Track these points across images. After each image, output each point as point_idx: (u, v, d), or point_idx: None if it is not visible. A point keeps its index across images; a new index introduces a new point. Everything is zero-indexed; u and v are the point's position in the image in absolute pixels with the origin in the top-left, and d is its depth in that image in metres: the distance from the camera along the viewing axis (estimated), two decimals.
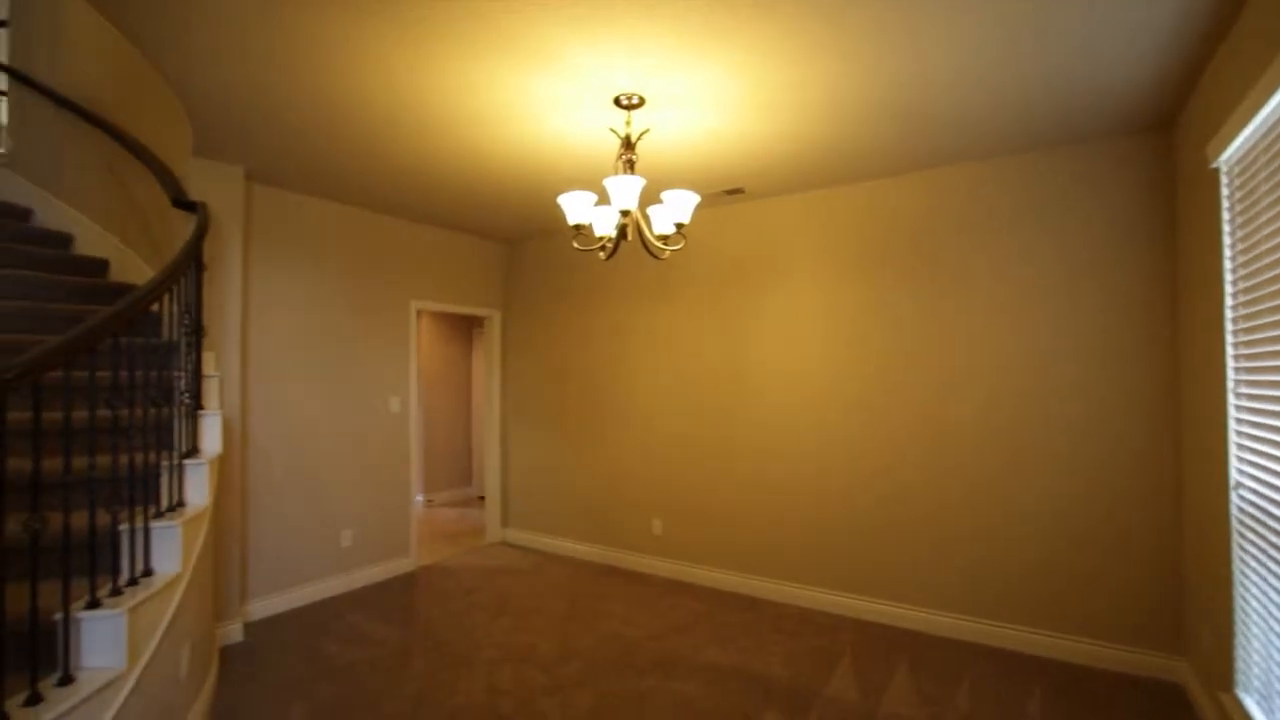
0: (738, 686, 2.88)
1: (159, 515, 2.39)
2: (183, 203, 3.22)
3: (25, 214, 4.01)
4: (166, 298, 2.59)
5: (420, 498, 6.77)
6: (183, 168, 3.35)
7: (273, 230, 3.84)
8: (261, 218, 3.78)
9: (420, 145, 3.21)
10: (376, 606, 3.87)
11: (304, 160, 3.42)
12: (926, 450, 3.50)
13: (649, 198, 3.96)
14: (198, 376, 2.91)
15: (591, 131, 2.98)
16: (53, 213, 4.05)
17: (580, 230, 2.62)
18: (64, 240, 3.92)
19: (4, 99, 4.34)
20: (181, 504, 2.58)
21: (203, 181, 3.36)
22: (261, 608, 3.68)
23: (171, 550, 2.33)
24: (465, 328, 7.43)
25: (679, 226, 2.59)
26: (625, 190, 2.37)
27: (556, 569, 4.61)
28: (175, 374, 2.78)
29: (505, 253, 5.49)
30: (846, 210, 3.80)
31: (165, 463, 2.54)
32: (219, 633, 3.28)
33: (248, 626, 3.53)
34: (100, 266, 3.78)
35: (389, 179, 3.73)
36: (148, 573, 2.25)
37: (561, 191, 3.96)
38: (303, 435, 3.94)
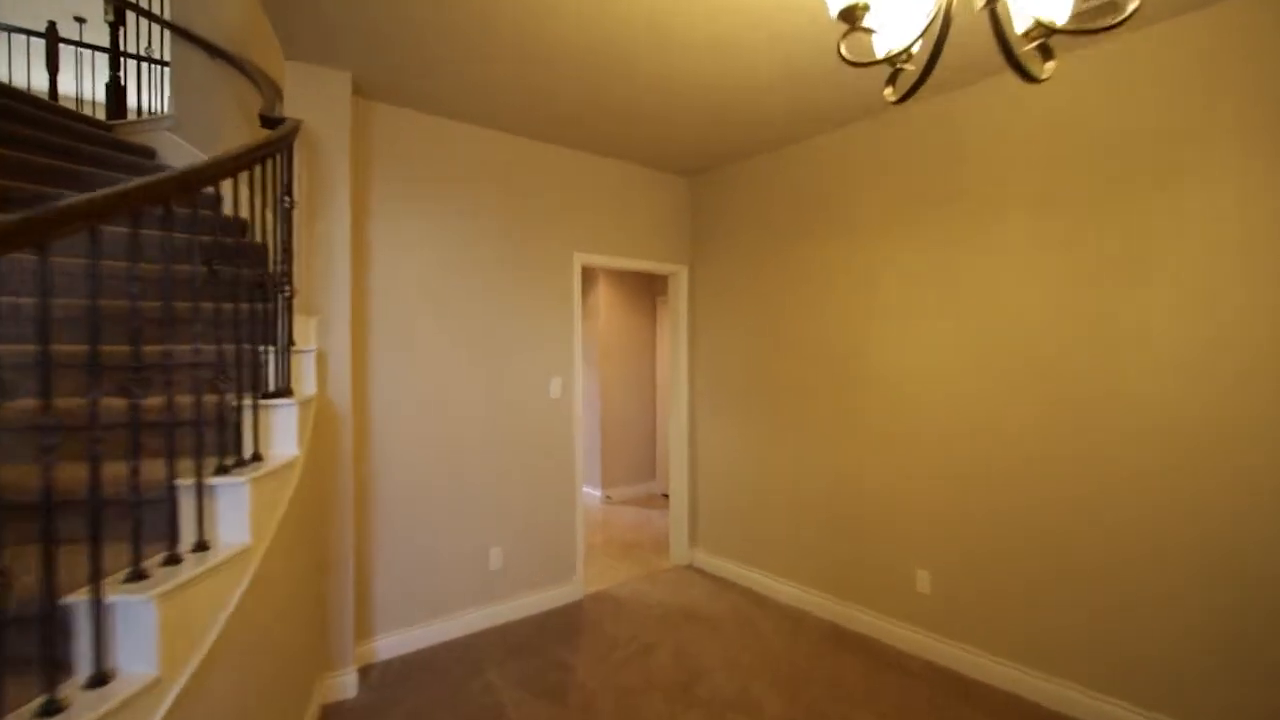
0: None
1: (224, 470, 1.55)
2: (268, 119, 2.45)
3: None
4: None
5: (598, 493, 5.89)
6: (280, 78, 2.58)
7: (396, 162, 2.98)
8: (381, 146, 2.93)
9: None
10: (527, 659, 2.89)
11: (430, 57, 2.44)
12: None
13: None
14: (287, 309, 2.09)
15: None
16: None
17: (853, 16, 1.20)
18: (214, 202, 3.52)
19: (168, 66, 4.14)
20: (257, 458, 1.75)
21: (298, 94, 2.55)
22: (387, 646, 2.90)
23: (236, 517, 1.49)
24: (648, 293, 6.35)
25: None
26: None
27: (765, 622, 3.28)
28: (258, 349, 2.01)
29: (688, 189, 4.21)
30: None
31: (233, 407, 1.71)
32: (324, 686, 2.52)
33: (365, 673, 2.75)
34: (242, 227, 3.28)
35: (542, 75, 2.62)
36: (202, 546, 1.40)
37: (777, 79, 2.53)
38: (438, 427, 3.08)
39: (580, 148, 3.58)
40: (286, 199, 2.37)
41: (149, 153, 3.83)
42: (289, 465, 2.00)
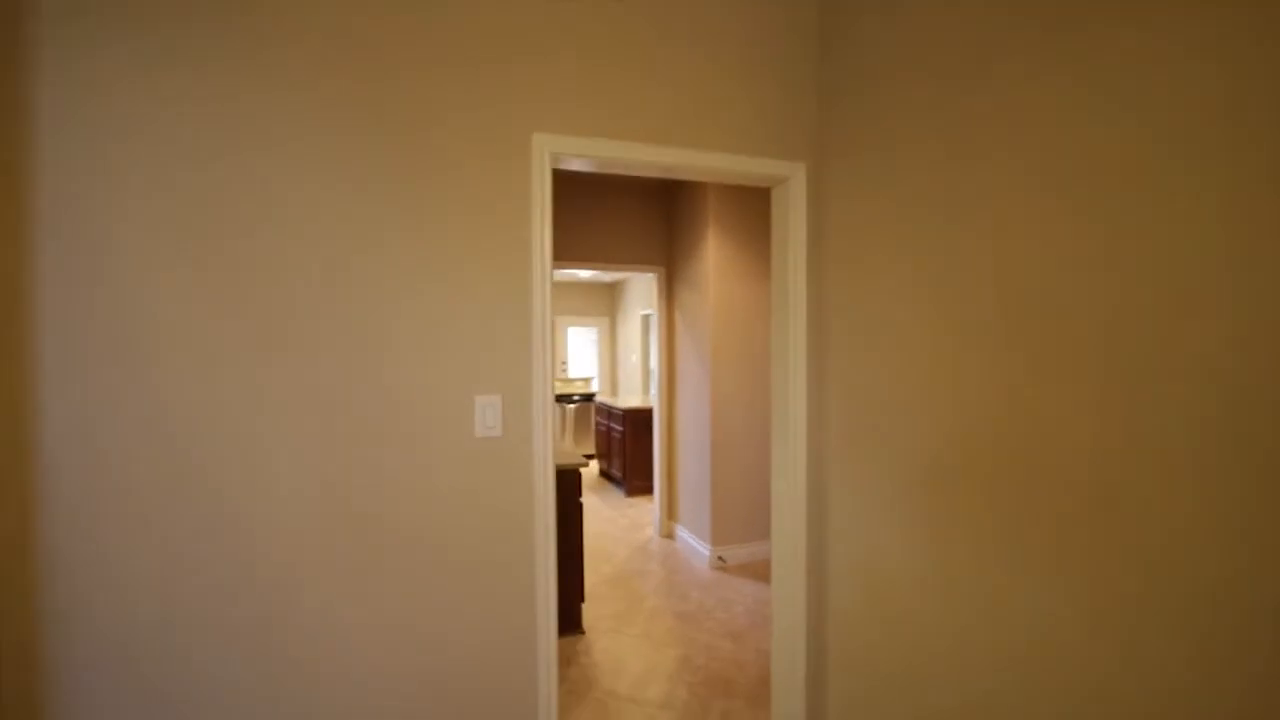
0: None
1: None
2: None
3: None
4: None
5: (706, 551, 3.92)
6: None
7: None
8: None
9: None
10: None
11: None
12: None
13: None
14: None
15: None
16: None
17: None
18: None
19: None
20: None
21: None
22: None
23: None
24: None
25: None
26: None
27: None
28: None
29: (814, 9, 2.01)
30: None
31: None
32: None
33: None
34: None
35: None
36: None
37: None
38: (213, 533, 1.46)
39: None
40: None
41: None
42: None
